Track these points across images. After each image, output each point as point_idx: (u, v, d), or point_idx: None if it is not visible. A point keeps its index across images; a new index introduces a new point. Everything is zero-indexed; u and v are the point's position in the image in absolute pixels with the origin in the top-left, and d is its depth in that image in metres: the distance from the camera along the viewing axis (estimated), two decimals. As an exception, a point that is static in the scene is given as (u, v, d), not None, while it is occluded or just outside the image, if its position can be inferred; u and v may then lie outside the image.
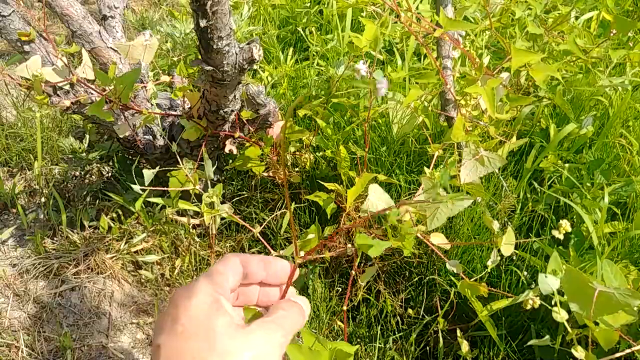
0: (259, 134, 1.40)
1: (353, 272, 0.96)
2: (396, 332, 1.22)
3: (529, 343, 0.90)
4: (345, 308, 0.85)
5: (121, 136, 1.10)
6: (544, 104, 1.48)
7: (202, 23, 0.72)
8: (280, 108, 1.66)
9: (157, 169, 1.00)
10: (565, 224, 0.79)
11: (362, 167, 1.19)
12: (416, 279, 1.25)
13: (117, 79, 0.81)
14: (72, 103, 0.93)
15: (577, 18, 1.74)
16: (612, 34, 1.53)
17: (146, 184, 1.00)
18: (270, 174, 1.46)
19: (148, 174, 0.97)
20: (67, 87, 0.94)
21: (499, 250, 1.09)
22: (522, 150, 1.44)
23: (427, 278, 1.23)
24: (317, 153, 1.43)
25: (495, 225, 0.87)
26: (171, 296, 0.40)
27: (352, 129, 1.34)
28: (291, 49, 1.89)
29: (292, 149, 1.46)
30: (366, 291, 1.31)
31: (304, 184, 1.47)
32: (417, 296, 1.26)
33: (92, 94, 0.96)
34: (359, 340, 1.23)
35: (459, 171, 1.05)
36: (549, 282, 0.82)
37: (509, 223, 1.28)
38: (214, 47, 0.79)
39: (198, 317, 0.38)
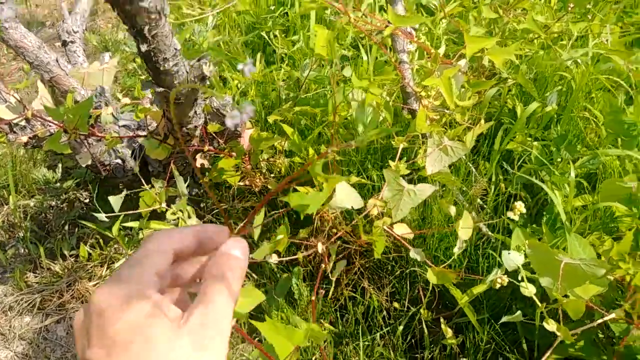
0: (230, 144, 1.41)
1: (323, 266, 0.97)
2: (383, 327, 1.23)
3: (502, 320, 0.91)
4: (314, 298, 0.87)
5: (84, 165, 1.10)
6: (509, 85, 1.49)
7: (143, 48, 0.72)
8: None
9: (124, 193, 1.00)
10: (520, 205, 0.80)
11: (333, 170, 1.20)
12: (398, 272, 1.26)
13: (69, 110, 0.81)
14: (30, 138, 0.93)
15: (537, -6, 1.74)
16: (571, 7, 1.54)
17: (116, 210, 1.00)
18: (247, 182, 1.47)
19: (115, 199, 0.97)
20: (23, 123, 0.94)
21: (476, 234, 1.10)
22: (494, 131, 1.45)
23: (408, 270, 1.24)
24: (291, 158, 1.44)
25: (452, 210, 0.88)
26: (90, 299, 0.34)
27: (320, 132, 1.34)
28: (259, 54, 1.89)
29: (265, 156, 1.46)
30: (352, 290, 1.32)
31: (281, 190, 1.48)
32: (401, 289, 1.27)
33: (50, 126, 0.96)
34: (347, 339, 1.24)
35: (425, 162, 1.06)
36: (512, 258, 0.83)
37: (484, 206, 1.29)
38: (161, 69, 0.79)
39: (128, 325, 0.33)
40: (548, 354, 0.80)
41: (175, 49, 0.79)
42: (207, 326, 0.34)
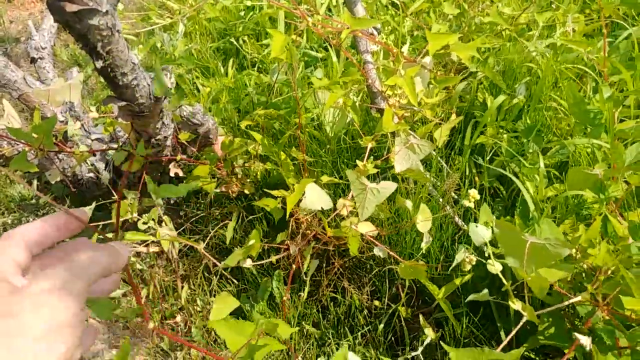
0: (204, 152, 1.41)
1: (294, 267, 0.98)
2: (364, 326, 1.24)
3: (469, 298, 0.92)
4: (285, 298, 0.87)
5: (53, 182, 1.10)
6: (479, 78, 1.50)
7: (99, 64, 0.72)
8: (224, 121, 1.66)
9: (94, 205, 1.00)
10: (474, 193, 0.81)
11: (304, 172, 1.21)
12: (376, 270, 1.27)
13: (33, 129, 0.81)
14: (-4, 158, 0.93)
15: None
16: (535, -1, 1.56)
17: (86, 221, 1.00)
18: (223, 189, 1.47)
19: (87, 211, 0.97)
20: (-12, 143, 0.94)
21: (453, 228, 1.11)
22: (467, 125, 1.46)
23: (386, 268, 1.25)
24: (266, 162, 1.44)
25: (409, 205, 0.89)
26: None
27: (291, 135, 1.35)
28: (231, 60, 1.89)
29: (240, 161, 1.46)
30: (333, 290, 1.32)
31: (258, 194, 1.48)
32: (380, 287, 1.28)
33: (17, 144, 0.95)
34: (329, 340, 1.24)
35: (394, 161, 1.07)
36: (480, 232, 0.83)
37: (459, 200, 1.31)
38: (120, 83, 0.79)
39: None
40: (513, 332, 0.80)
41: (133, 63, 0.79)
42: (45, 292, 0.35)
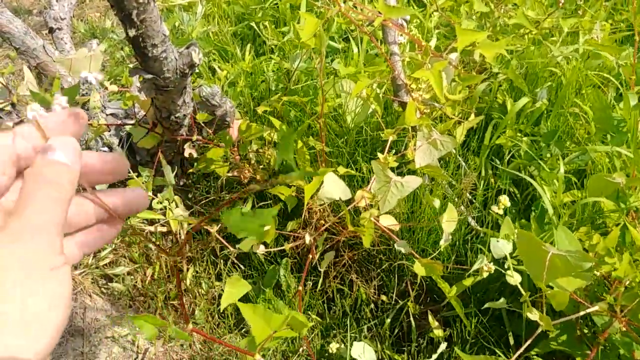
0: (219, 134, 1.40)
1: (310, 257, 0.96)
2: (371, 320, 1.23)
3: (486, 305, 0.91)
4: (300, 288, 0.86)
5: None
6: (500, 80, 1.49)
7: (132, 33, 0.71)
8: (240, 105, 1.65)
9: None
10: (504, 199, 0.80)
11: (321, 162, 1.19)
12: (386, 264, 1.26)
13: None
14: (15, 124, 0.92)
15: (529, -10, 1.74)
16: (561, 4, 1.55)
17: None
18: (235, 173, 1.46)
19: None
20: (8, 108, 0.93)
21: (464, 228, 1.10)
22: (484, 126, 1.45)
23: (397, 263, 1.24)
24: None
25: (437, 204, 0.88)
26: None
27: (310, 124, 1.33)
28: (249, 45, 1.87)
29: (254, 147, 1.45)
30: (340, 282, 1.31)
31: (270, 181, 1.47)
32: (389, 282, 1.27)
33: (36, 112, 0.94)
34: (334, 331, 1.23)
35: (415, 155, 1.06)
36: (501, 246, 0.83)
37: (473, 200, 1.30)
38: (149, 55, 0.78)
39: None
40: (527, 344, 0.80)
41: (164, 34, 0.78)
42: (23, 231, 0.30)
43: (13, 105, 0.92)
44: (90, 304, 1.30)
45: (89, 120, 1.14)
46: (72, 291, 1.30)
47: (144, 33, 0.73)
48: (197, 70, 0.89)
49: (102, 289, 1.35)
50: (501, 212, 0.82)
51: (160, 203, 1.01)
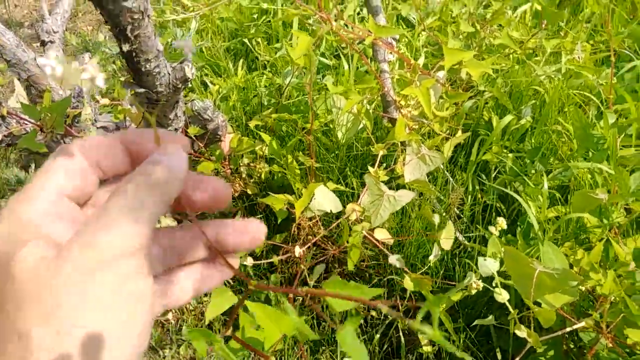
0: (210, 148, 1.41)
1: (301, 267, 0.97)
2: (360, 335, 1.24)
3: (475, 323, 0.93)
4: (290, 296, 0.86)
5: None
6: (486, 97, 1.52)
7: (126, 48, 0.72)
8: (232, 119, 1.66)
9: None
10: (502, 221, 0.82)
11: (311, 177, 1.21)
12: (375, 279, 1.27)
13: (46, 109, 0.80)
14: (4, 136, 0.92)
15: (514, 10, 1.79)
16: (544, 25, 1.59)
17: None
18: (225, 187, 1.46)
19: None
20: (-1, 120, 0.93)
21: (456, 239, 1.12)
22: (471, 142, 1.48)
23: (386, 278, 1.25)
24: (271, 164, 1.44)
25: (436, 219, 0.90)
26: None
27: (300, 139, 1.35)
28: (241, 61, 1.89)
29: (246, 160, 1.46)
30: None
31: (261, 195, 1.48)
32: (378, 297, 1.28)
33: (26, 124, 0.95)
34: (323, 347, 1.24)
35: (404, 170, 1.07)
36: (488, 265, 0.84)
37: (461, 215, 1.32)
38: (143, 70, 0.79)
39: None
40: None
41: (158, 50, 0.79)
42: (92, 247, 0.25)
43: (2, 117, 0.92)
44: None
45: (79, 133, 1.15)
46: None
47: (138, 48, 0.74)
48: (189, 85, 0.91)
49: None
50: (497, 233, 0.84)
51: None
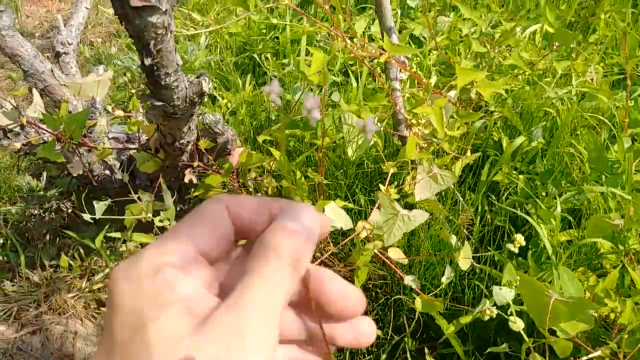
0: (219, 161, 1.41)
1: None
2: (366, 355, 1.23)
3: (488, 350, 0.92)
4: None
5: (75, 174, 1.09)
6: (495, 118, 1.52)
7: (147, 61, 0.73)
8: (241, 134, 1.67)
9: (109, 200, 0.99)
10: (520, 238, 0.82)
11: (320, 194, 1.21)
12: (382, 299, 1.26)
13: (65, 120, 0.80)
14: (23, 145, 0.92)
15: (523, 31, 1.80)
16: (555, 46, 1.60)
17: (97, 216, 0.99)
18: (233, 201, 1.46)
19: (100, 206, 0.96)
20: (17, 129, 0.94)
21: (457, 265, 1.11)
22: (479, 163, 1.48)
23: (393, 298, 1.24)
24: (278, 179, 1.44)
25: (453, 239, 0.89)
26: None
27: (309, 155, 1.35)
28: (249, 75, 1.90)
29: (253, 175, 1.46)
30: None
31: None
32: (384, 316, 1.27)
33: (44, 134, 0.95)
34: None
35: (414, 189, 1.07)
36: (503, 294, 0.84)
37: (470, 236, 1.31)
38: (162, 83, 0.80)
39: (132, 318, 0.24)
40: None
41: (177, 64, 0.80)
42: (231, 333, 0.23)
43: (22, 127, 0.93)
44: (81, 329, 1.28)
45: (93, 142, 1.15)
46: (64, 315, 1.28)
47: (159, 62, 0.75)
48: (206, 99, 0.91)
49: (94, 313, 1.33)
50: (516, 250, 0.83)
51: (161, 222, 1.01)
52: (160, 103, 0.84)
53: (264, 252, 0.26)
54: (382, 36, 1.13)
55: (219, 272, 0.28)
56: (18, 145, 0.92)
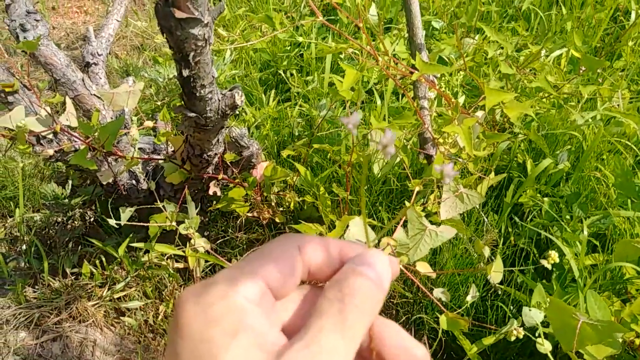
0: (243, 175, 1.42)
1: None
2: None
3: None
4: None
5: (104, 182, 1.10)
6: (519, 140, 1.52)
7: (185, 73, 0.74)
8: (264, 149, 1.68)
9: (134, 208, 1.00)
10: (554, 255, 0.81)
11: (344, 209, 1.21)
12: (403, 318, 1.25)
13: (100, 128, 0.82)
14: (55, 152, 0.94)
15: (547, 55, 1.80)
16: (581, 71, 1.59)
17: (122, 222, 1.00)
18: (255, 214, 1.47)
19: (126, 212, 0.97)
20: (50, 136, 0.95)
21: (483, 285, 1.10)
22: (502, 185, 1.47)
23: (415, 317, 1.23)
24: (301, 194, 1.44)
25: (486, 252, 0.88)
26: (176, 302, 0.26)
27: (334, 170, 1.35)
28: (273, 91, 1.92)
29: (276, 189, 1.47)
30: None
31: (288, 224, 1.48)
32: (404, 334, 1.26)
33: (75, 141, 0.96)
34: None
35: (439, 208, 1.07)
36: (533, 315, 0.83)
37: (493, 257, 1.30)
38: (197, 94, 0.81)
39: (196, 345, 0.24)
40: None
41: (213, 76, 0.81)
42: None
43: (55, 134, 0.94)
44: (100, 337, 1.29)
45: (122, 152, 1.17)
46: (84, 322, 1.29)
47: (196, 74, 0.76)
48: (237, 112, 0.92)
49: (113, 322, 1.33)
50: (550, 267, 0.82)
51: (185, 230, 1.01)
52: (193, 114, 0.85)
53: (338, 295, 0.26)
54: (413, 54, 1.14)
55: (285, 309, 0.28)
56: (51, 152, 0.93)
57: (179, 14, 0.63)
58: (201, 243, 1.12)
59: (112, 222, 1.05)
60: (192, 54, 0.71)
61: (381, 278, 0.27)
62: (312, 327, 0.25)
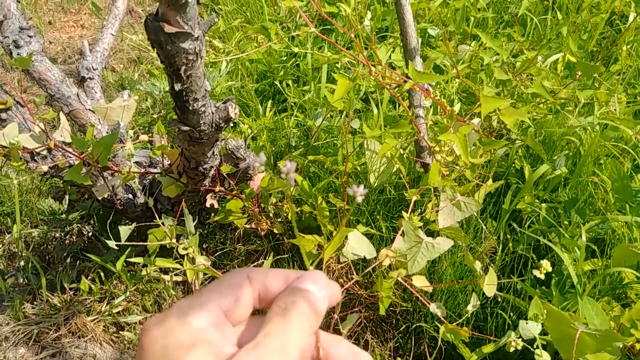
0: (240, 186, 1.41)
1: (336, 316, 0.95)
2: (386, 383, 1.20)
3: None
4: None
5: (100, 198, 1.10)
6: (517, 146, 1.52)
7: (177, 87, 0.74)
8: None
9: (134, 225, 1.00)
10: (546, 264, 0.80)
11: (342, 219, 1.20)
12: (403, 327, 1.24)
13: (94, 143, 0.82)
14: (50, 168, 0.94)
15: (544, 61, 1.80)
16: (578, 76, 1.59)
17: (123, 240, 0.99)
18: (253, 225, 1.46)
19: (125, 230, 0.96)
20: (44, 152, 0.95)
21: (483, 293, 1.09)
22: (500, 191, 1.46)
23: (414, 325, 1.22)
24: (299, 204, 1.44)
25: (477, 266, 0.88)
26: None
27: (331, 180, 1.35)
28: (269, 102, 1.92)
29: (273, 200, 1.46)
30: (354, 342, 1.29)
31: (287, 235, 1.47)
32: (405, 344, 1.25)
33: (69, 157, 0.96)
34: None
35: (437, 216, 1.06)
36: (529, 328, 0.82)
37: (492, 265, 1.29)
38: (190, 108, 0.81)
39: (157, 358, 0.27)
40: None
41: (206, 89, 0.81)
42: None
43: (49, 150, 0.94)
44: (100, 352, 1.28)
45: (117, 167, 1.17)
46: (83, 338, 1.28)
47: (189, 88, 0.76)
48: (232, 124, 0.92)
49: (113, 337, 1.33)
50: (542, 276, 0.82)
51: (185, 249, 1.01)
52: (186, 128, 0.85)
53: (282, 306, 0.30)
54: (406, 61, 1.14)
55: (240, 330, 0.31)
56: (45, 168, 0.93)
57: (168, 29, 0.63)
58: (201, 261, 1.11)
59: (111, 243, 1.05)
60: (183, 68, 0.71)
61: (321, 288, 0.31)
62: (260, 333, 0.28)
